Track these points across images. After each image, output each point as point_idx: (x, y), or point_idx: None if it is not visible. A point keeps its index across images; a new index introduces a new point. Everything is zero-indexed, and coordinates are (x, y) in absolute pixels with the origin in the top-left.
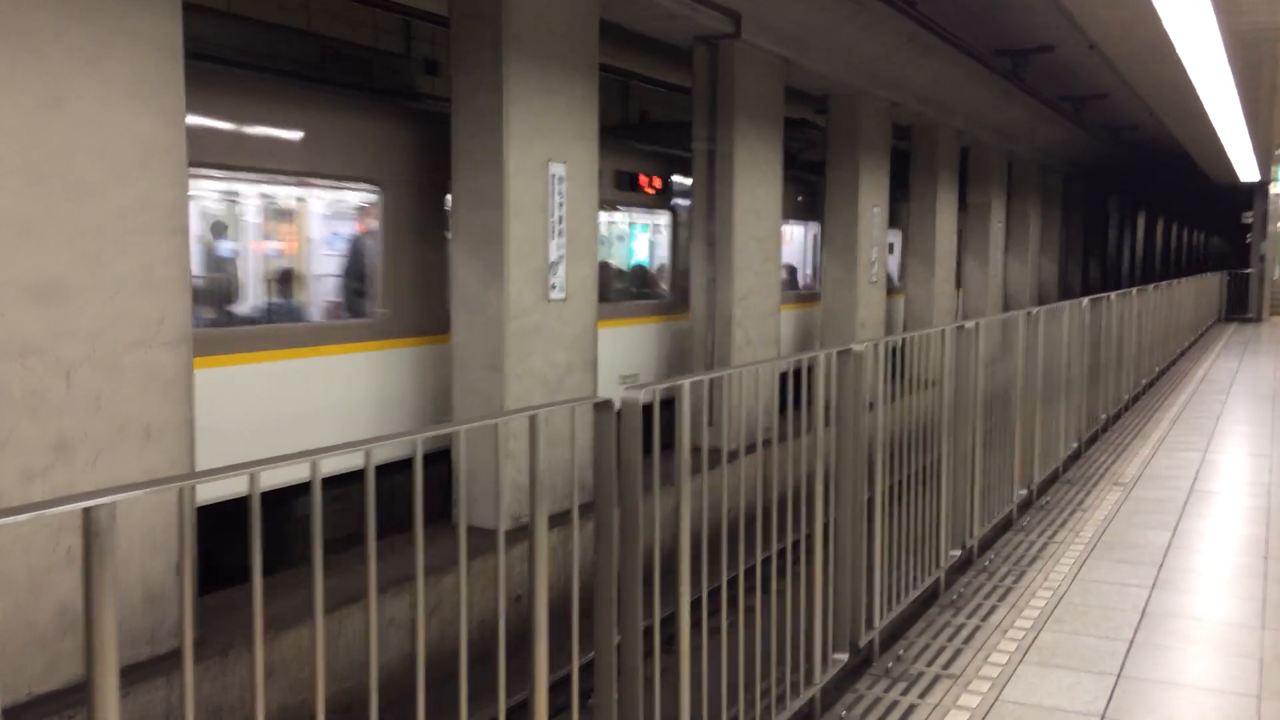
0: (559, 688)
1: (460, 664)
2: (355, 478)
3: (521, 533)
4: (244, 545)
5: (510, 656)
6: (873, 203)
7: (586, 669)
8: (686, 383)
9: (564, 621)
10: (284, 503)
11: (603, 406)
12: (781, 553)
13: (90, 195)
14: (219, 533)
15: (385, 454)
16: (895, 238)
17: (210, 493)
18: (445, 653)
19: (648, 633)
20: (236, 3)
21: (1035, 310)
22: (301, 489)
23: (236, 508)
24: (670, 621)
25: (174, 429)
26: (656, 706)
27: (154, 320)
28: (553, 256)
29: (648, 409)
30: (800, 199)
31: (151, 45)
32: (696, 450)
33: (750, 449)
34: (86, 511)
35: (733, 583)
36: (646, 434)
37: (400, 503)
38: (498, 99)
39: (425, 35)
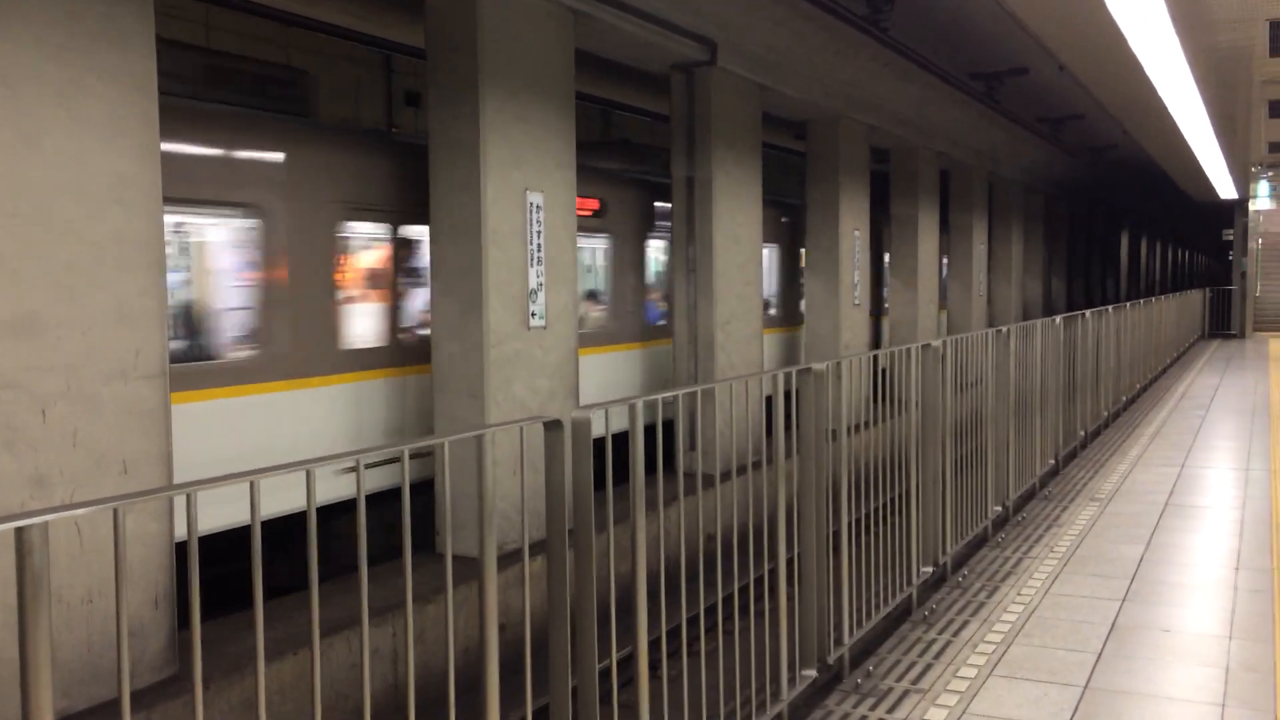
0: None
1: (449, 692)
2: (328, 513)
3: (506, 560)
4: (216, 578)
5: (503, 682)
6: (854, 226)
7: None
8: (640, 401)
9: (542, 652)
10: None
11: (552, 426)
12: (754, 578)
13: (66, 230)
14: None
15: (369, 484)
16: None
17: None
18: (430, 683)
19: (607, 674)
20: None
21: (1006, 328)
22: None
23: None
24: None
25: (152, 462)
26: None
27: (130, 353)
28: (532, 284)
29: (622, 436)
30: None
31: (125, 82)
32: (690, 476)
33: (741, 471)
34: (19, 531)
35: (695, 617)
36: (624, 459)
37: (379, 534)
38: (475, 129)
39: (405, 68)
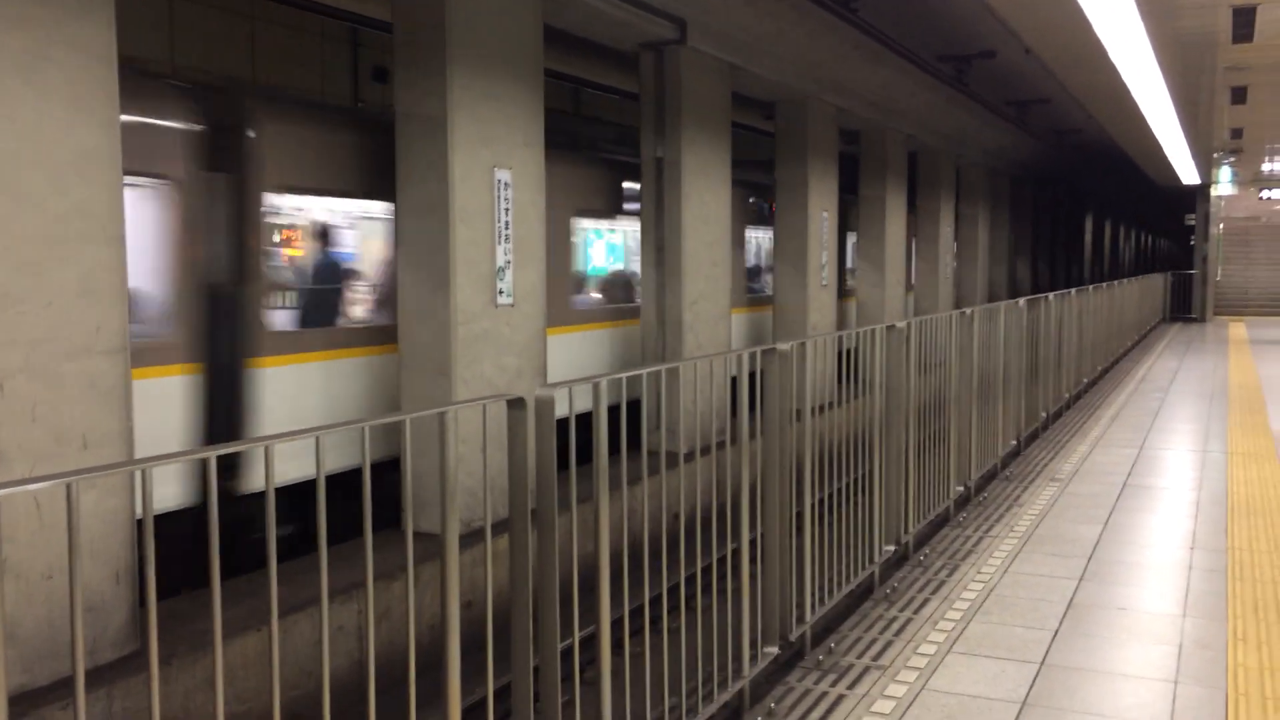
0: (500, 694)
1: (409, 670)
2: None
3: (471, 538)
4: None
5: (467, 659)
6: (822, 207)
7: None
8: (604, 380)
9: (508, 630)
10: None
11: (515, 404)
12: (717, 558)
13: (28, 204)
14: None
15: (332, 464)
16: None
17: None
18: (395, 660)
19: (570, 653)
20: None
21: (970, 310)
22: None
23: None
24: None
25: (112, 439)
26: None
27: (92, 328)
28: (500, 262)
29: (585, 417)
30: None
31: (88, 53)
32: (653, 454)
33: (705, 451)
34: None
35: (657, 598)
36: (588, 439)
37: (344, 514)
38: (442, 105)
39: (373, 42)
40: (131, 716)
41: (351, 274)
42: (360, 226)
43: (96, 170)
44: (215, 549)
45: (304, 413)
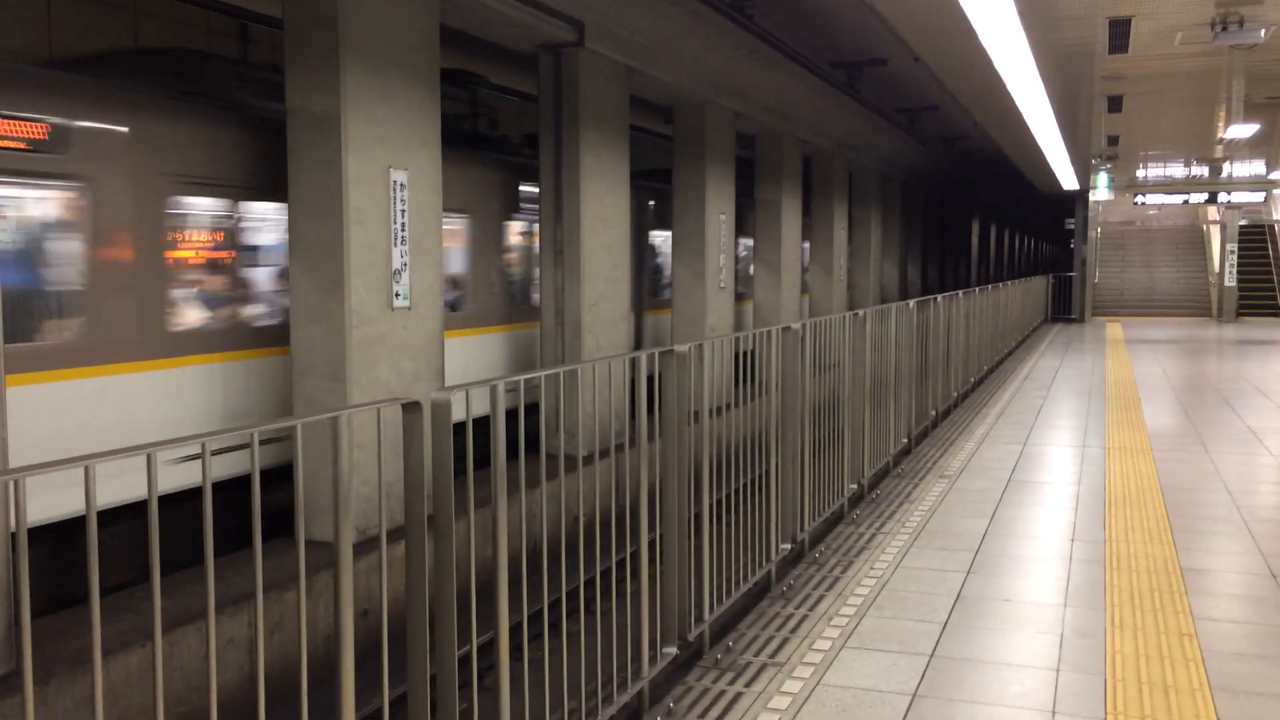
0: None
1: (301, 682)
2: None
3: (368, 545)
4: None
5: (364, 669)
6: (719, 210)
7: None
8: (501, 383)
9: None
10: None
11: (411, 408)
12: (616, 560)
13: None
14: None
15: (220, 471)
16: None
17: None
18: (290, 673)
19: (468, 660)
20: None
21: (862, 312)
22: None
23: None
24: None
25: None
26: None
27: None
28: (396, 264)
29: (479, 422)
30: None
31: None
32: (552, 457)
33: (604, 454)
34: None
35: (556, 602)
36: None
37: (243, 520)
38: (335, 103)
39: (263, 38)
40: None
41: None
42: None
43: None
44: (94, 562)
45: None
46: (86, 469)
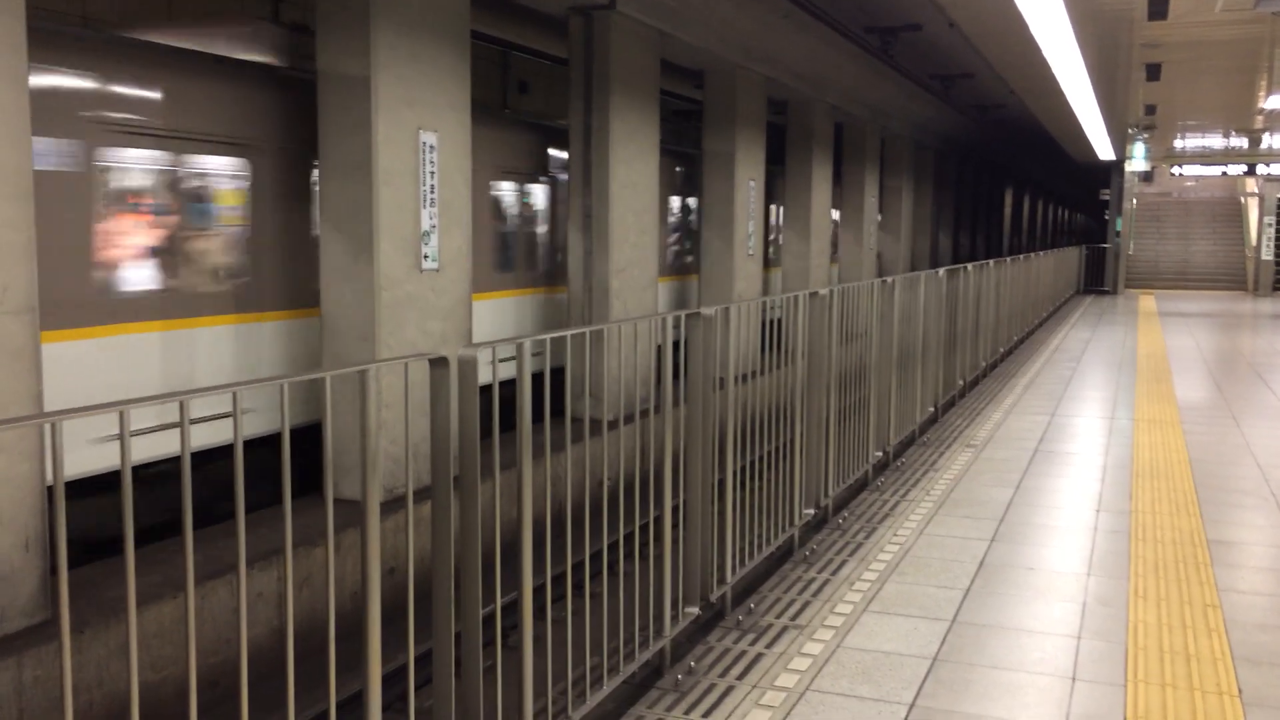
0: (421, 660)
1: (329, 637)
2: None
3: (395, 504)
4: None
5: (389, 626)
6: (749, 177)
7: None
8: (528, 341)
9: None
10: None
11: (438, 364)
12: (640, 524)
13: None
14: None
15: (251, 428)
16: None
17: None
18: (316, 627)
19: (492, 619)
20: None
21: (891, 279)
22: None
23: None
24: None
25: (21, 401)
26: (499, 700)
27: None
28: (425, 226)
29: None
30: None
31: None
32: (577, 421)
33: (629, 419)
34: None
35: (580, 564)
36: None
37: (266, 482)
38: (366, 65)
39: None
40: (42, 685)
41: None
42: None
43: (2, 125)
44: (129, 515)
45: None
46: (121, 414)
